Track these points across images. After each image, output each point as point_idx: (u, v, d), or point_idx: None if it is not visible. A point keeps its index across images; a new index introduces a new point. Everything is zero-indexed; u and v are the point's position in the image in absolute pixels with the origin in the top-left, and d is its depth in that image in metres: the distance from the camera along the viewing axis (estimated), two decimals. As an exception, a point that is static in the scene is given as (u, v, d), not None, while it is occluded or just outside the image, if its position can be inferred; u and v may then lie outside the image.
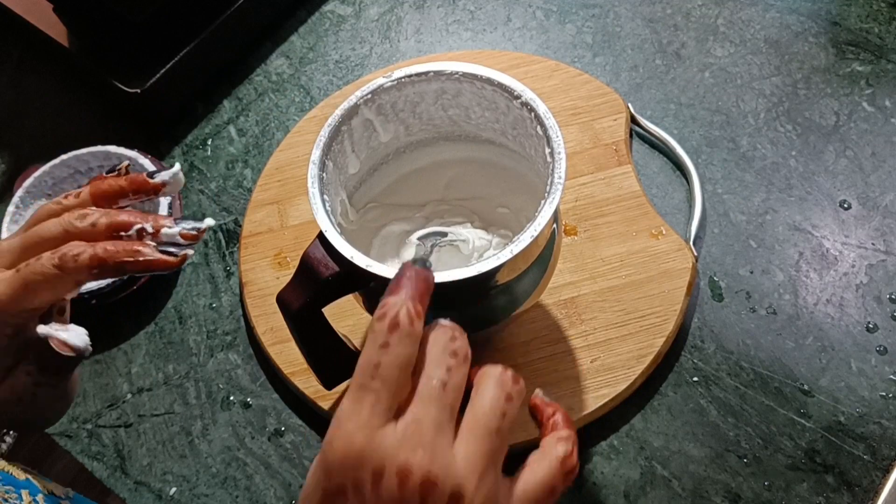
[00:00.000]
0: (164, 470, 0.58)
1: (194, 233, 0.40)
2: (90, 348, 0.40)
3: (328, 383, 0.49)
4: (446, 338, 0.33)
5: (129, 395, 0.61)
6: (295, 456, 0.58)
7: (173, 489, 0.57)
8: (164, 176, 0.41)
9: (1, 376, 0.39)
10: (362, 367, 0.32)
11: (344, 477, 0.31)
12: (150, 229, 0.39)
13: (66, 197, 0.40)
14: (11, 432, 0.45)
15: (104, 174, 0.41)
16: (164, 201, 0.63)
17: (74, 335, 0.38)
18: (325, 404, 0.57)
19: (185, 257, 0.39)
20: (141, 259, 0.38)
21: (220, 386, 0.61)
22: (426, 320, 0.34)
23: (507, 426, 0.33)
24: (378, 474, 0.31)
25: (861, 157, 0.64)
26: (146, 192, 0.41)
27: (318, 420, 0.59)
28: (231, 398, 0.60)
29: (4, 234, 0.63)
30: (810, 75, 0.68)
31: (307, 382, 0.58)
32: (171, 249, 0.39)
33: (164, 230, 0.39)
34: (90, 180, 0.42)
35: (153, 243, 0.39)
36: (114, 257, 0.37)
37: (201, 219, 0.41)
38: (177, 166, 0.42)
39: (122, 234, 0.39)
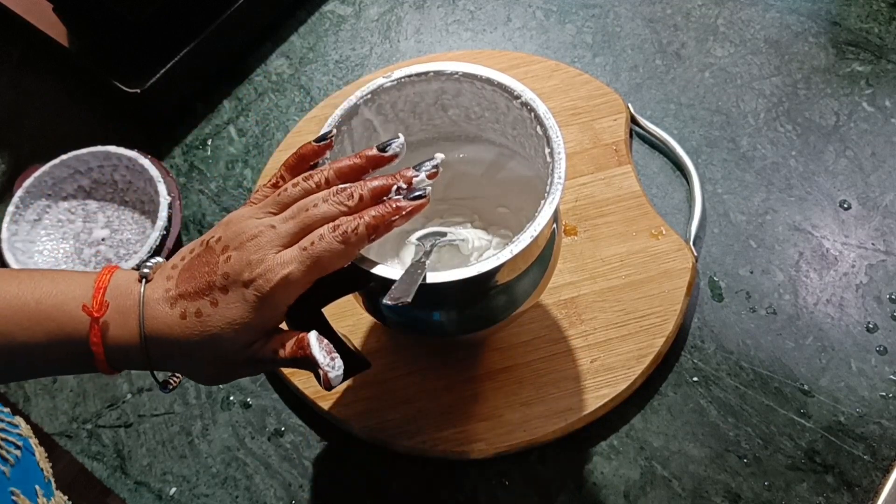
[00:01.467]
0: (164, 470, 0.58)
1: (435, 171, 0.44)
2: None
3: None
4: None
5: (129, 395, 0.61)
6: (295, 456, 0.58)
7: (173, 489, 0.57)
8: (395, 148, 0.44)
9: (257, 343, 0.41)
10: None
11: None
12: (404, 185, 0.43)
13: (306, 180, 0.43)
14: (178, 377, 0.46)
15: (314, 143, 0.45)
16: (163, 202, 0.63)
17: (335, 376, 0.40)
18: (325, 404, 0.57)
19: (429, 196, 0.43)
20: (405, 213, 0.42)
21: (220, 386, 0.61)
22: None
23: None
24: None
25: (861, 157, 0.64)
26: (382, 166, 0.44)
27: (318, 420, 0.59)
28: (231, 398, 0.60)
29: (4, 234, 0.63)
30: (810, 75, 0.68)
31: (307, 382, 0.58)
32: (417, 193, 0.42)
33: (415, 181, 0.43)
34: (306, 153, 0.45)
35: (401, 195, 0.42)
36: (383, 220, 0.41)
37: (431, 157, 0.44)
38: (401, 137, 0.44)
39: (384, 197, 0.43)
